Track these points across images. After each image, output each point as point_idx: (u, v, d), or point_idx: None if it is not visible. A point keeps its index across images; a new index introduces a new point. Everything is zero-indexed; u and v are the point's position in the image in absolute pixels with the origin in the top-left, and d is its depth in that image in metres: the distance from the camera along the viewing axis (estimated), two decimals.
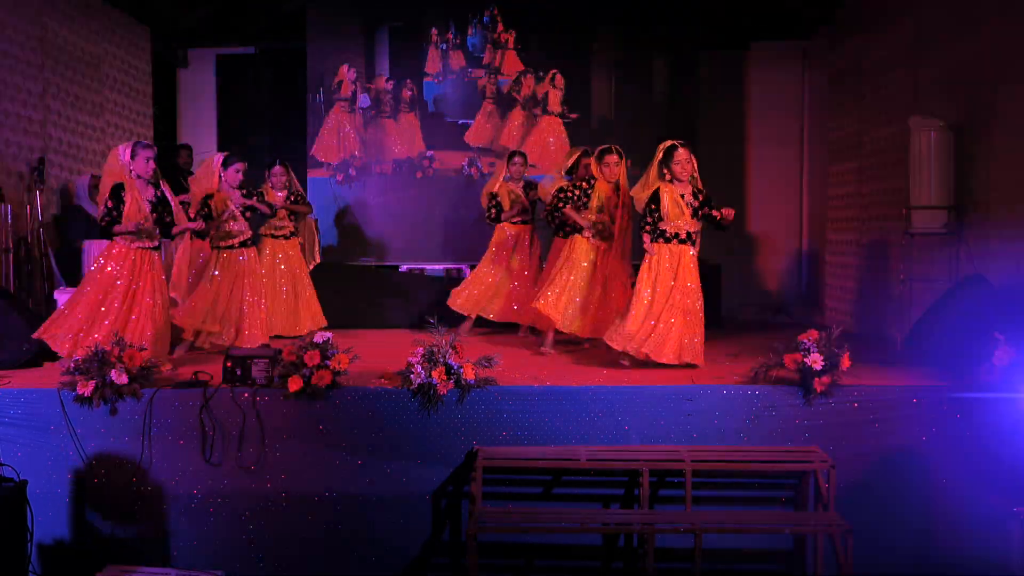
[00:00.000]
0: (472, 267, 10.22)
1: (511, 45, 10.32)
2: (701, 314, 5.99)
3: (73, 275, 7.17)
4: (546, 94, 10.28)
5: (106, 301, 5.78)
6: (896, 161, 7.51)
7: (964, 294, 6.00)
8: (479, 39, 10.39)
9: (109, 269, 5.83)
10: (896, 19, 7.97)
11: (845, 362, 5.14)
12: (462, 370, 5.15)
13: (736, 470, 5.11)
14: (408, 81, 10.33)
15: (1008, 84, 6.15)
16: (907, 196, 6.98)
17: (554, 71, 10.26)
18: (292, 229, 7.72)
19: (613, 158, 6.65)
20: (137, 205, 5.83)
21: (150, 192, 5.94)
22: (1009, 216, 6.13)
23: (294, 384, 5.13)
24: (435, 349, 5.17)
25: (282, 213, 7.60)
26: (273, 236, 7.66)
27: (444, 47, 10.39)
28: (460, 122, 10.34)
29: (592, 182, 6.70)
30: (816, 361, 5.08)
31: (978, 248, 6.47)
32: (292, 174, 7.74)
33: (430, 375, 5.11)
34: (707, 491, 5.16)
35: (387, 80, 10.32)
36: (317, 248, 8.10)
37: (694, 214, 6.00)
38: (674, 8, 10.22)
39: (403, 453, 5.22)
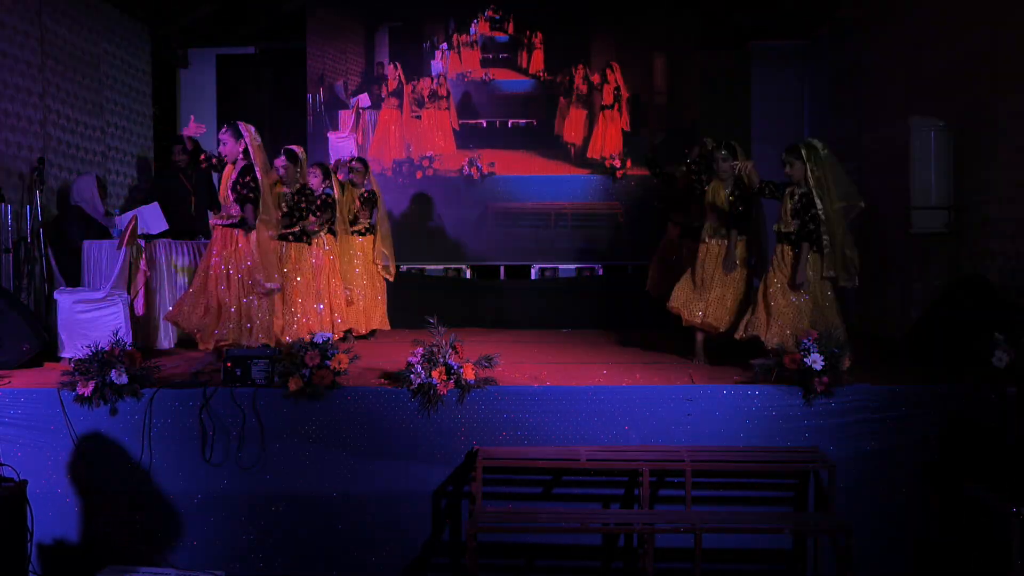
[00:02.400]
0: (473, 267, 10.30)
1: (538, 44, 10.32)
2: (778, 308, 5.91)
3: (73, 275, 7.17)
4: (601, 86, 10.28)
5: None
6: (896, 161, 7.51)
7: (964, 294, 6.00)
8: (480, 39, 10.39)
9: None
10: (896, 19, 7.97)
11: (845, 362, 5.14)
12: (462, 370, 5.15)
13: (736, 470, 5.11)
14: (441, 77, 10.34)
15: (1007, 84, 6.15)
16: (907, 196, 6.97)
17: (611, 62, 10.26)
18: (367, 226, 8.13)
19: (719, 155, 6.52)
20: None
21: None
22: (1009, 216, 6.13)
23: (294, 384, 5.13)
24: (435, 349, 5.17)
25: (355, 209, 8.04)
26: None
27: (445, 47, 10.40)
28: (461, 122, 10.35)
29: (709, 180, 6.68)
30: (816, 361, 5.08)
31: (978, 248, 6.47)
32: (368, 169, 8.17)
33: (430, 375, 5.11)
34: (707, 491, 5.16)
35: (431, 78, 10.36)
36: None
37: (794, 215, 5.88)
38: (674, 7, 10.23)
39: (403, 453, 5.22)
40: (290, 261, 6.92)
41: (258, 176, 6.04)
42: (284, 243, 6.86)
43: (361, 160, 8.28)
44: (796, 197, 5.90)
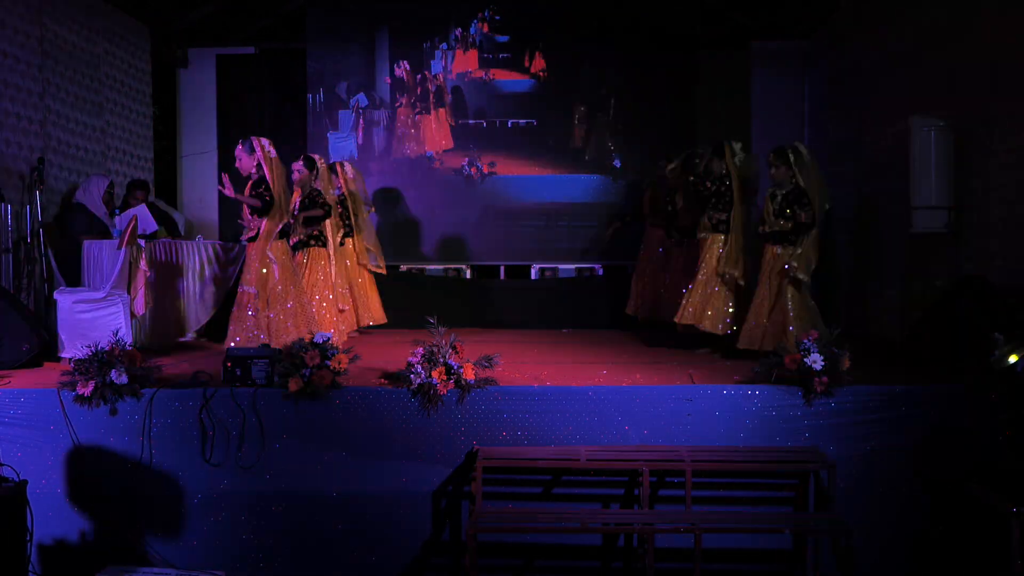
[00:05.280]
0: (473, 267, 10.30)
1: (538, 45, 10.31)
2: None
3: (73, 275, 7.17)
4: (601, 86, 10.28)
5: None
6: (896, 161, 7.51)
7: (964, 294, 6.00)
8: (480, 39, 10.40)
9: None
10: (896, 19, 7.97)
11: (845, 362, 5.14)
12: (462, 370, 5.14)
13: (736, 470, 5.11)
14: (441, 77, 10.33)
15: (1007, 84, 6.15)
16: (907, 196, 6.97)
17: (610, 62, 10.28)
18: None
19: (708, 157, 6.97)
20: None
21: None
22: (1009, 216, 6.13)
23: (294, 384, 5.13)
24: (435, 349, 5.17)
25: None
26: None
27: (445, 47, 10.40)
28: (460, 122, 10.35)
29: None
30: (816, 361, 5.08)
31: (978, 248, 6.47)
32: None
33: (430, 375, 5.11)
34: (707, 491, 5.16)
35: (431, 78, 10.35)
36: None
37: (779, 214, 6.28)
38: (674, 8, 10.23)
39: (403, 453, 5.22)
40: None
41: (272, 187, 6.35)
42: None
43: (329, 166, 8.21)
44: (779, 197, 6.29)
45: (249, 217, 6.42)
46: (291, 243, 6.94)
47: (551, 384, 5.38)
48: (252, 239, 6.45)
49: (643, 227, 8.72)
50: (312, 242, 7.37)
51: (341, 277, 7.79)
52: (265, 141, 6.40)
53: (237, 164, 6.45)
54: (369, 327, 8.33)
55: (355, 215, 8.21)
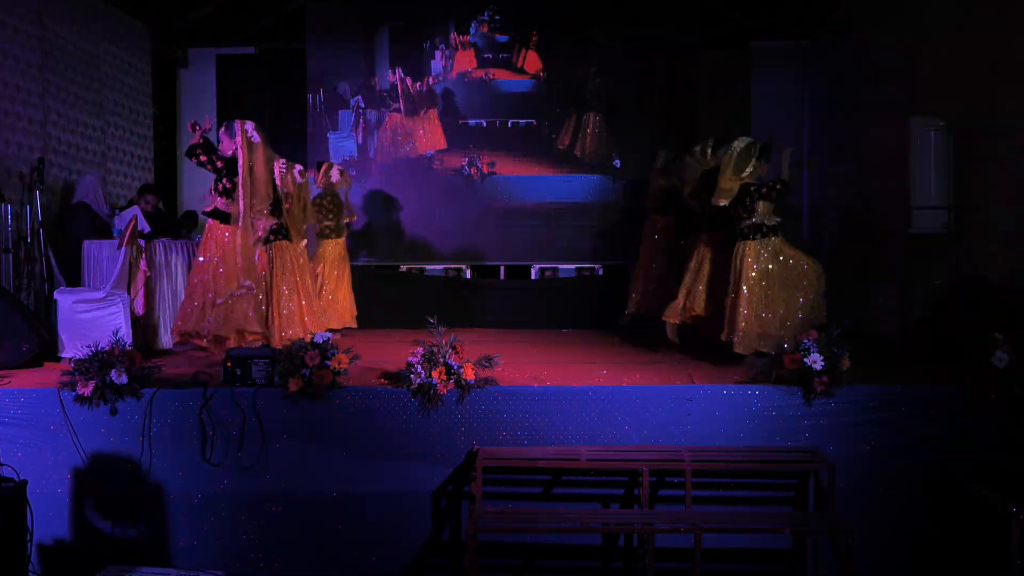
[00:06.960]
0: (473, 267, 10.30)
1: (539, 45, 10.30)
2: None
3: (73, 275, 7.17)
4: (601, 86, 10.28)
5: None
6: (896, 161, 7.51)
7: (964, 294, 6.00)
8: (480, 39, 10.40)
9: None
10: (896, 19, 7.97)
11: (845, 362, 5.14)
12: (462, 370, 5.15)
13: (736, 470, 5.12)
14: (441, 77, 10.34)
15: (1008, 84, 6.15)
16: (907, 196, 6.97)
17: (611, 62, 10.28)
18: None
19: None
20: None
21: None
22: (1009, 216, 6.13)
23: (294, 384, 5.13)
24: (435, 349, 5.17)
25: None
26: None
27: (444, 47, 10.40)
28: (460, 122, 10.35)
29: None
30: (816, 361, 5.08)
31: (978, 248, 6.47)
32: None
33: (430, 375, 5.11)
34: (707, 491, 5.16)
35: (432, 78, 10.36)
36: None
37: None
38: (675, 7, 10.23)
39: (403, 453, 5.22)
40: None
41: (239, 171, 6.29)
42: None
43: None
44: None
45: (211, 195, 6.39)
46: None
47: (551, 384, 5.38)
48: (210, 214, 6.40)
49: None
50: (272, 237, 7.07)
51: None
52: (249, 125, 6.35)
53: (220, 147, 6.41)
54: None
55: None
